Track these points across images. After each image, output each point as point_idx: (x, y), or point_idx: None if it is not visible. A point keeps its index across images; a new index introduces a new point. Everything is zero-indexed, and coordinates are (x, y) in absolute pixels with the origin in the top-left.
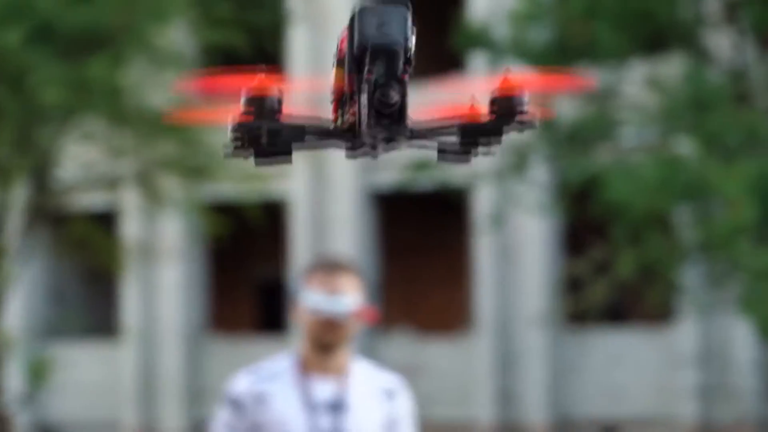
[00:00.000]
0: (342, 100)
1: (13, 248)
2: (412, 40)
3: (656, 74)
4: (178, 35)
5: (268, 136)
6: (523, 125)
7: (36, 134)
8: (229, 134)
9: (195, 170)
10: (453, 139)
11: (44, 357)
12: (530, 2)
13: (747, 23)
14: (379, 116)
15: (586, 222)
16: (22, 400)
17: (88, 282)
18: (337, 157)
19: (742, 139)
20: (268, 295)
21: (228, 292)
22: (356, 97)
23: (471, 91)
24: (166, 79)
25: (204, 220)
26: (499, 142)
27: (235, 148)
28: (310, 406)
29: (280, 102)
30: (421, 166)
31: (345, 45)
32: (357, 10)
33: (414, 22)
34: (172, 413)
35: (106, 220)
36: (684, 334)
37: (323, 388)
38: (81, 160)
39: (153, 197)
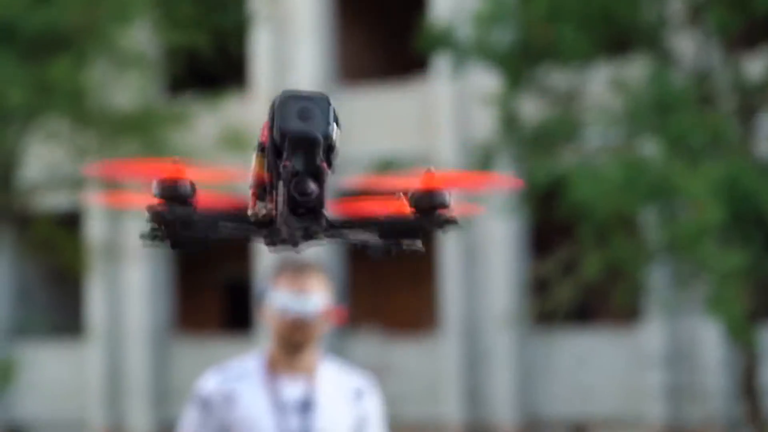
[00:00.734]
0: (261, 189)
1: None
2: (335, 131)
3: (620, 76)
4: (141, 36)
5: (182, 225)
6: (444, 223)
7: None
8: (146, 222)
9: None
10: (368, 236)
11: (10, 357)
12: (493, 3)
13: (711, 25)
14: (296, 207)
15: (552, 223)
16: None
17: (53, 282)
18: None
19: (707, 141)
20: (234, 295)
21: (194, 292)
22: (274, 186)
23: (395, 187)
24: (128, 79)
25: None
26: (419, 238)
27: (152, 236)
28: (279, 406)
29: (192, 189)
30: (385, 165)
31: (264, 133)
32: (278, 98)
33: (336, 114)
34: (139, 413)
35: (70, 221)
36: (651, 335)
37: (292, 388)
38: (45, 160)
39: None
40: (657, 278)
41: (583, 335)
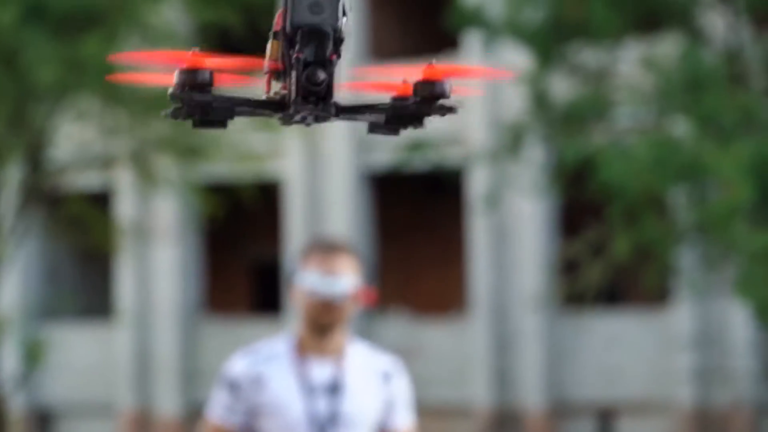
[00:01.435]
0: (275, 74)
1: (7, 229)
2: (344, 22)
3: (651, 54)
4: (172, 13)
5: (201, 107)
6: (445, 110)
7: (30, 113)
8: (168, 99)
9: (189, 150)
10: (378, 117)
11: (39, 338)
12: None
13: (742, 3)
14: (307, 94)
15: (582, 203)
16: (16, 382)
17: (82, 263)
18: (332, 136)
19: (738, 120)
20: (263, 276)
21: (223, 273)
22: (287, 73)
23: (406, 74)
24: None
25: (199, 201)
26: (421, 124)
27: (174, 113)
28: (308, 388)
29: (209, 77)
30: (415, 146)
31: (279, 22)
32: None
33: (346, 6)
34: (167, 395)
35: (100, 200)
36: (680, 317)
37: (321, 370)
38: (75, 139)
39: (147, 177)
40: (686, 260)
41: (612, 317)
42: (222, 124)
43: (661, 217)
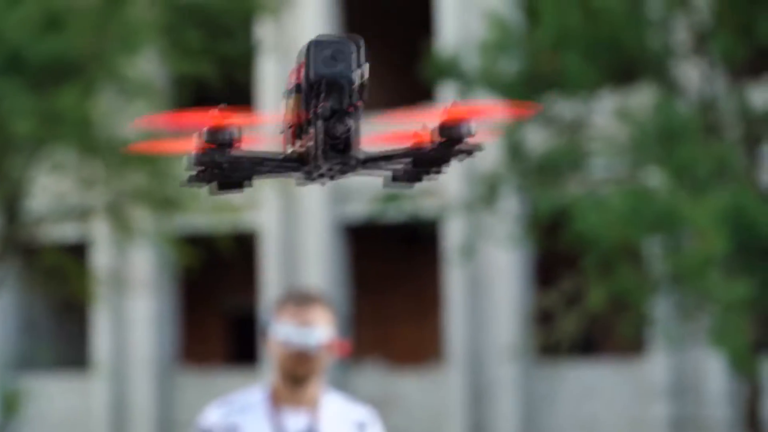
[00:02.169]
0: (294, 130)
1: None
2: (363, 72)
3: (626, 106)
4: (148, 65)
5: (222, 167)
6: (468, 152)
7: (7, 165)
8: (186, 164)
9: (165, 201)
10: (400, 165)
11: (16, 388)
12: (500, 32)
13: (716, 54)
14: (330, 146)
15: (557, 253)
16: None
17: (59, 314)
18: (307, 187)
19: (712, 171)
20: (239, 327)
21: (199, 324)
22: (307, 128)
23: (422, 120)
24: (136, 109)
25: (175, 251)
26: (446, 168)
27: (192, 177)
28: None
29: (236, 134)
30: (390, 197)
31: (297, 77)
32: (309, 42)
33: (365, 55)
34: None
35: (77, 251)
36: (656, 366)
37: (295, 421)
38: (52, 191)
39: (123, 228)
40: (661, 309)
41: (588, 367)
42: (240, 186)
43: (636, 268)
